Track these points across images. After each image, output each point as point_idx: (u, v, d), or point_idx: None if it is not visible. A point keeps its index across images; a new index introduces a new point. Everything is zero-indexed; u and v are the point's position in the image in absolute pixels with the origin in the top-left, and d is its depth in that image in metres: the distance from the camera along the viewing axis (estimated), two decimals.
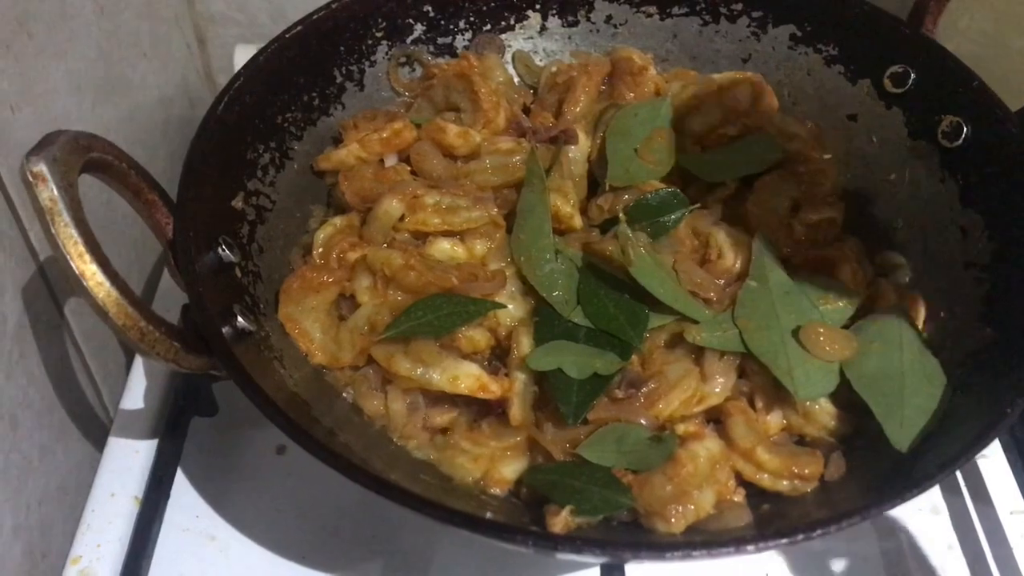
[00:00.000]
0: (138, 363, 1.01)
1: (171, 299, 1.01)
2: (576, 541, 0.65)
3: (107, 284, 0.65)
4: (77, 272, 0.65)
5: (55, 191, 0.64)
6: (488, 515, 0.73)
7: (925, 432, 0.77)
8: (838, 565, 0.88)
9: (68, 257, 0.64)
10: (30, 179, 0.64)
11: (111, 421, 0.98)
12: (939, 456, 0.72)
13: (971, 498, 0.93)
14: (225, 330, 0.75)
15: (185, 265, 0.75)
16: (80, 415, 0.98)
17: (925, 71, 0.97)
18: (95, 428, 1.00)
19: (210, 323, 0.73)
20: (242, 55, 1.20)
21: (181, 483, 0.92)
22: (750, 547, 0.64)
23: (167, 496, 0.91)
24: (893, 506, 0.67)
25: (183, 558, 0.87)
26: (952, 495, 0.94)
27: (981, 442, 0.70)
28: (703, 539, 0.71)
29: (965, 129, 0.92)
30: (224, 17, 1.31)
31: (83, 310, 0.97)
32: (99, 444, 0.98)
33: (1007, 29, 1.11)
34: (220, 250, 0.82)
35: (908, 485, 0.68)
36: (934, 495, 0.94)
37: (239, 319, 0.78)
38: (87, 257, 0.65)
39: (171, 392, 0.98)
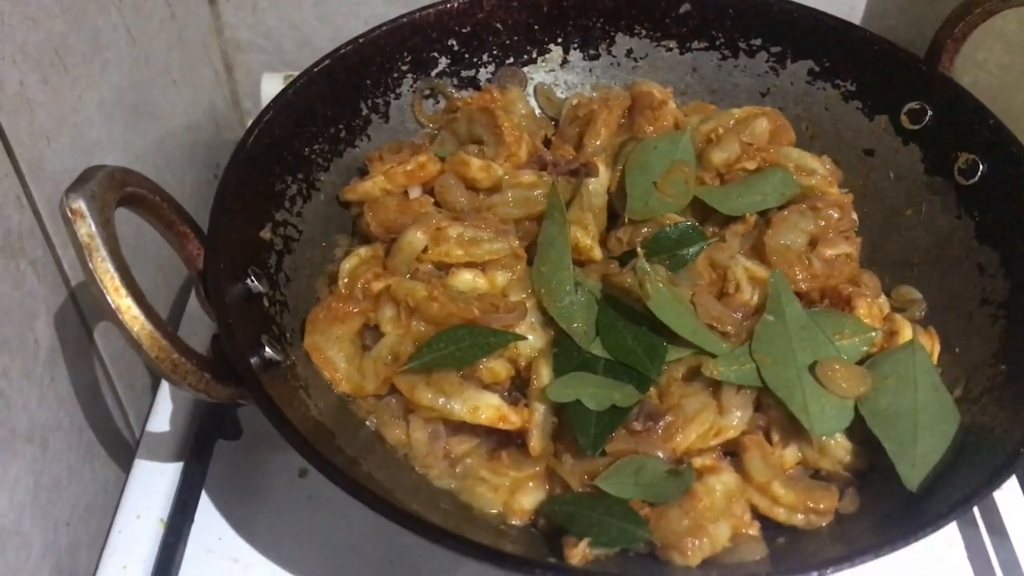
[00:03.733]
0: (164, 386, 1.03)
1: (197, 322, 1.03)
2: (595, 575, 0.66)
3: (142, 318, 0.67)
4: (113, 306, 0.67)
5: (92, 227, 0.67)
6: (507, 546, 0.75)
7: (937, 471, 0.78)
8: None
9: (105, 291, 0.66)
10: (69, 215, 0.66)
11: (137, 442, 1.00)
12: (952, 495, 0.73)
13: (987, 531, 0.94)
14: (253, 360, 0.76)
15: (216, 297, 0.77)
16: (107, 437, 0.99)
17: (942, 108, 0.98)
18: (122, 449, 1.02)
19: (240, 355, 0.75)
20: (269, 82, 1.23)
21: (205, 505, 0.94)
22: None
23: (192, 518, 0.92)
24: (905, 545, 0.68)
25: None
26: (968, 528, 0.94)
27: (994, 482, 0.71)
28: (718, 573, 0.72)
29: (981, 167, 0.94)
30: (251, 45, 1.34)
31: (111, 334, 0.99)
32: (125, 465, 0.99)
33: (1022, 61, 1.12)
34: (249, 281, 0.84)
35: (921, 524, 0.69)
36: (950, 528, 0.94)
37: (267, 349, 0.79)
38: (123, 292, 0.67)
39: (196, 415, 0.99)
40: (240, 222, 0.86)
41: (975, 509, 0.95)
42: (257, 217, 0.89)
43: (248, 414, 1.00)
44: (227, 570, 0.90)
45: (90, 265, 0.66)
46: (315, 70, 0.96)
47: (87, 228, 0.66)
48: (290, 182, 0.95)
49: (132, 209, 0.77)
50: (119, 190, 0.72)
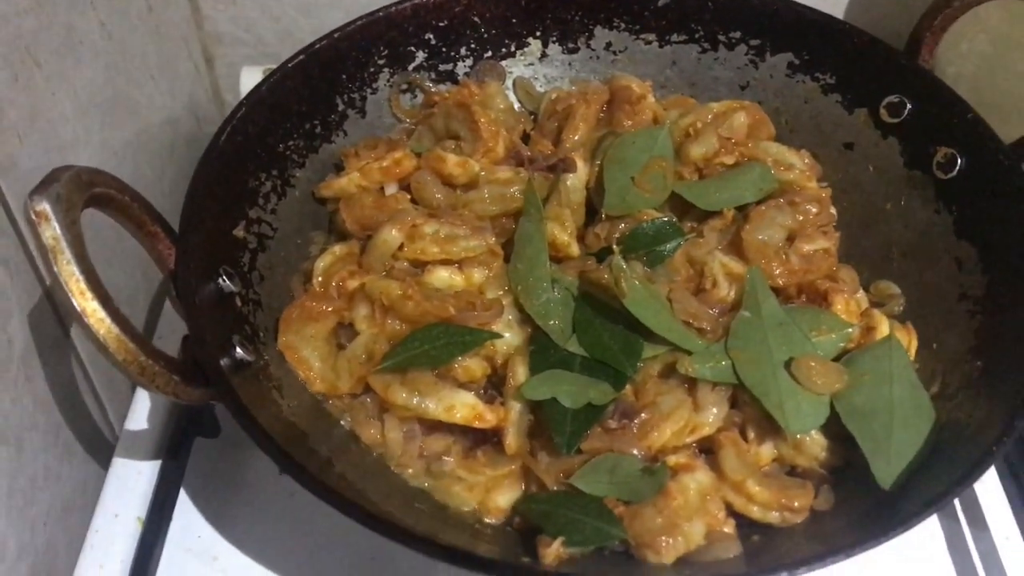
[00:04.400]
0: None
1: (177, 320, 1.02)
2: None
3: (108, 320, 0.67)
4: (79, 309, 0.66)
5: (57, 229, 0.66)
6: (481, 547, 0.74)
7: (912, 468, 0.78)
8: None
9: (70, 294, 0.66)
10: (33, 218, 0.66)
11: (116, 440, 1.00)
12: (927, 492, 0.73)
13: (967, 524, 0.94)
14: (224, 362, 0.76)
15: (186, 298, 0.77)
16: (86, 435, 0.99)
17: (921, 102, 0.98)
18: (101, 447, 1.01)
19: (209, 356, 0.74)
20: (249, 75, 1.22)
21: (184, 503, 0.93)
22: None
23: (170, 517, 0.92)
24: (878, 544, 0.68)
25: None
26: (948, 521, 0.94)
27: (967, 480, 0.71)
28: (692, 571, 0.72)
29: (960, 160, 0.93)
30: (231, 38, 1.33)
31: None
32: (104, 463, 0.99)
33: (1006, 51, 1.11)
34: (221, 280, 0.83)
35: (895, 523, 0.69)
36: (931, 521, 0.94)
37: (238, 350, 0.79)
38: (88, 295, 0.66)
39: (174, 413, 0.99)
40: (212, 221, 0.85)
41: (956, 502, 0.95)
42: (230, 215, 0.89)
43: (227, 412, 0.98)
44: (206, 568, 0.89)
45: (55, 268, 0.66)
46: (289, 65, 0.96)
47: (52, 231, 0.66)
48: (264, 179, 0.94)
49: (101, 209, 0.76)
50: (86, 191, 0.71)
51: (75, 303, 0.66)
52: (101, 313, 0.67)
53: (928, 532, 0.93)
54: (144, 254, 1.05)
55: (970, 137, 0.93)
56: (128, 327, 0.68)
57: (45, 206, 0.66)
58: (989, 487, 0.95)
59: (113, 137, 1.04)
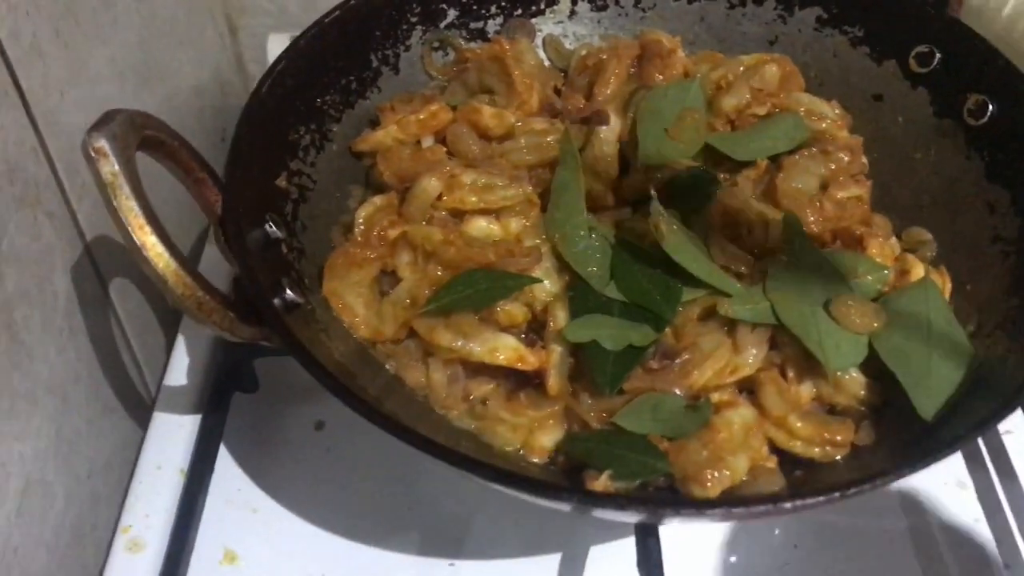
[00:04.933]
0: (180, 342, 1.03)
1: (216, 273, 1.03)
2: (618, 499, 0.67)
3: (167, 255, 0.68)
4: (139, 243, 0.67)
5: (115, 166, 0.67)
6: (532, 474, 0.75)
7: (951, 401, 0.79)
8: (866, 539, 0.90)
9: (130, 228, 0.67)
10: (92, 154, 0.67)
11: (152, 400, 1.01)
12: (965, 423, 0.74)
13: (996, 473, 0.95)
14: (276, 301, 0.77)
15: (236, 240, 0.77)
16: (124, 393, 1.00)
17: (950, 51, 0.98)
18: (138, 406, 1.02)
19: (262, 295, 0.75)
20: (274, 44, 1.23)
21: (224, 457, 0.95)
22: (787, 505, 0.66)
23: (211, 469, 0.93)
24: (924, 466, 0.68)
25: (227, 528, 0.90)
26: (978, 470, 0.95)
27: (1005, 410, 0.72)
28: (738, 502, 0.73)
29: (991, 107, 0.94)
30: (255, 7, 1.34)
31: (127, 290, 0.99)
32: (141, 422, 1.00)
33: None
34: (267, 227, 0.84)
35: (935, 448, 0.70)
36: (960, 470, 0.96)
37: (288, 291, 0.80)
38: (147, 229, 0.67)
39: (213, 369, 1.00)
40: (256, 170, 0.86)
41: (985, 452, 0.96)
42: (273, 165, 0.90)
43: (265, 367, 1.00)
44: (246, 519, 0.91)
45: (114, 203, 0.67)
46: (325, 21, 0.96)
47: (110, 167, 0.67)
48: (303, 132, 0.95)
49: (150, 153, 0.77)
50: (139, 132, 0.72)
51: (135, 237, 0.67)
52: (160, 248, 0.68)
53: (957, 481, 0.95)
54: (181, 205, 1.06)
55: (1001, 83, 0.93)
56: (185, 263, 0.69)
57: (103, 143, 0.67)
58: (1018, 437, 0.96)
59: (146, 100, 1.05)
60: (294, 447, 0.97)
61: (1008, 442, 0.96)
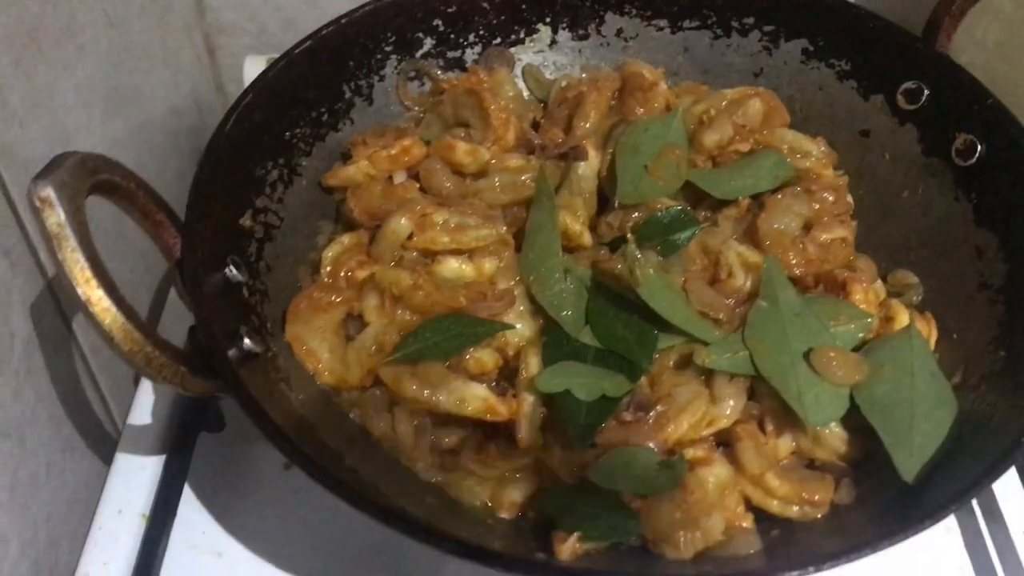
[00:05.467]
0: (145, 379, 1.01)
1: (181, 313, 1.01)
2: (584, 572, 0.64)
3: (113, 309, 0.65)
4: (84, 297, 0.64)
5: (62, 216, 0.64)
6: (494, 542, 0.73)
7: (935, 460, 0.76)
8: None
9: (75, 282, 0.64)
10: (37, 204, 0.64)
11: (120, 435, 0.98)
12: (951, 486, 0.71)
13: (983, 518, 0.92)
14: (231, 352, 0.74)
15: (192, 287, 0.75)
16: (89, 430, 0.97)
17: (939, 88, 0.96)
18: (104, 442, 1.00)
19: (216, 347, 0.73)
20: (252, 65, 1.20)
21: (188, 499, 0.92)
22: None
23: (174, 513, 0.91)
24: (904, 539, 0.66)
25: (190, 574, 0.87)
26: (965, 514, 0.93)
27: (993, 473, 0.70)
28: (712, 567, 0.71)
29: (979, 147, 0.92)
30: (235, 27, 1.31)
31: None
32: (107, 458, 0.97)
33: (1021, 39, 1.10)
34: (228, 270, 0.82)
35: (919, 518, 0.67)
36: None
37: (246, 340, 0.77)
38: (93, 282, 0.65)
39: (179, 408, 0.97)
40: (218, 209, 0.84)
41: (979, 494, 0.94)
42: (236, 204, 0.87)
43: (232, 406, 0.96)
44: (211, 565, 0.88)
45: (59, 256, 0.64)
46: (295, 52, 0.94)
47: (56, 217, 0.64)
48: (271, 167, 0.92)
49: (106, 197, 0.74)
50: (91, 177, 0.69)
51: (80, 291, 0.64)
52: (106, 302, 0.65)
53: (944, 526, 0.92)
54: (146, 245, 1.03)
55: (990, 123, 0.91)
56: (134, 316, 0.66)
57: (49, 192, 0.64)
58: (1006, 480, 0.94)
59: (116, 127, 1.02)
60: (261, 488, 0.94)
61: (996, 487, 0.93)
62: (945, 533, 0.92)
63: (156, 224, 0.78)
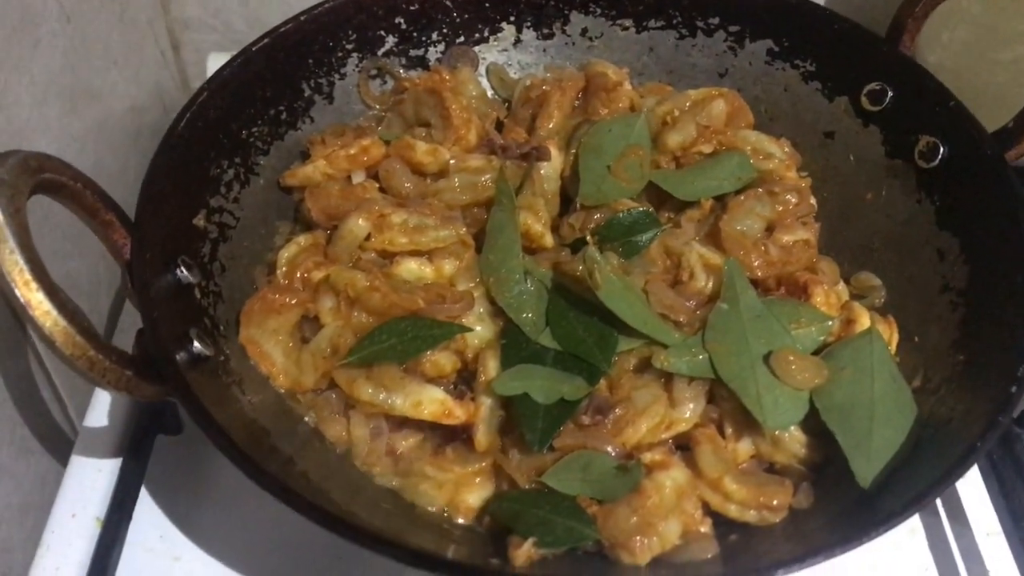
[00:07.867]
0: None
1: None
2: None
3: (54, 313, 0.64)
4: (23, 301, 0.63)
5: (0, 217, 0.63)
6: (449, 548, 0.72)
7: (893, 465, 0.76)
8: None
9: (13, 285, 0.62)
10: None
11: (76, 436, 0.96)
12: (908, 490, 0.71)
13: (948, 519, 0.92)
14: (180, 356, 0.73)
15: (141, 289, 0.73)
16: (44, 431, 0.96)
17: (902, 89, 0.96)
18: (60, 444, 0.98)
19: (163, 350, 0.71)
20: (216, 62, 1.18)
21: (145, 502, 0.91)
22: None
23: (130, 516, 0.89)
24: (859, 544, 0.66)
25: None
26: (929, 516, 0.92)
27: (949, 478, 0.69)
28: (668, 572, 0.70)
29: (942, 149, 0.91)
30: (199, 23, 1.29)
31: None
32: (64, 460, 0.96)
33: (987, 41, 1.10)
34: (179, 271, 0.80)
35: (875, 523, 0.67)
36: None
37: (196, 343, 0.76)
38: (33, 285, 0.63)
39: (136, 410, 0.96)
40: (170, 209, 0.82)
41: (937, 498, 0.93)
42: (189, 204, 0.86)
43: None
44: (167, 569, 0.87)
45: None
46: (253, 49, 0.93)
47: None
48: (226, 166, 0.91)
49: (50, 196, 0.73)
50: (33, 176, 0.67)
51: (19, 295, 0.63)
52: (47, 305, 0.63)
53: (908, 527, 0.91)
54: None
55: (953, 126, 0.91)
56: (76, 320, 0.65)
57: None
58: (970, 482, 0.94)
59: (73, 125, 1.01)
60: (220, 491, 0.93)
61: (960, 488, 0.93)
62: (910, 534, 0.91)
63: (104, 224, 0.76)
